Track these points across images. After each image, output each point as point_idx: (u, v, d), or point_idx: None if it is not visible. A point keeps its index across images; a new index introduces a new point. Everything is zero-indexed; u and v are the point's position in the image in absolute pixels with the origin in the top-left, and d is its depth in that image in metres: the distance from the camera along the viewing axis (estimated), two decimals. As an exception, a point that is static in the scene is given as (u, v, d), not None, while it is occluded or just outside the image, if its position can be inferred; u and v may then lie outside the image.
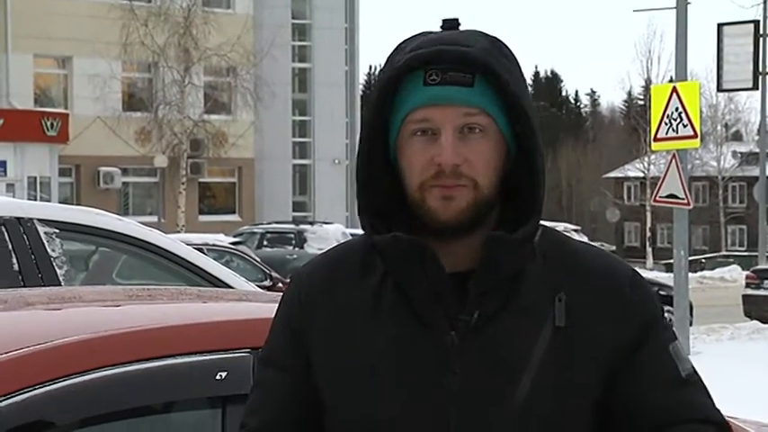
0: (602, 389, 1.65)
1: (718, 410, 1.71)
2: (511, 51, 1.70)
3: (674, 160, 13.39)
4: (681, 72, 14.37)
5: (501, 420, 1.61)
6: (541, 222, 1.72)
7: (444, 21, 1.72)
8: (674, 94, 13.33)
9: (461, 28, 1.72)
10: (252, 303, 2.71)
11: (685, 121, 13.26)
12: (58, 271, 4.37)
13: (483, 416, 1.61)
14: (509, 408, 1.61)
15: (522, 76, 1.71)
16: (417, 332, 1.65)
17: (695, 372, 1.71)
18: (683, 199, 13.37)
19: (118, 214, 5.54)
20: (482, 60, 1.63)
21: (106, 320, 2.34)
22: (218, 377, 2.17)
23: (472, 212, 1.65)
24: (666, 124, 13.32)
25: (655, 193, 13.78)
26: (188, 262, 4.69)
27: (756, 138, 46.18)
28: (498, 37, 1.71)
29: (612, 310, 1.67)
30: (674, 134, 13.30)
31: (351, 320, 1.69)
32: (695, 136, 13.41)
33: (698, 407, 1.67)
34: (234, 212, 38.06)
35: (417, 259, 1.64)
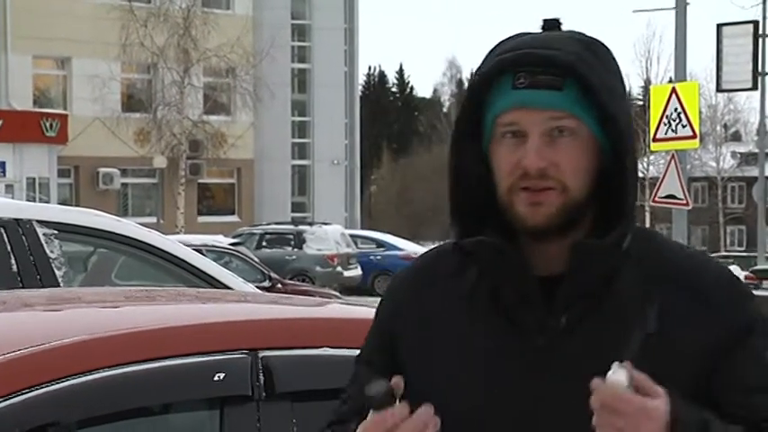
0: (692, 394, 1.61)
1: None
2: (607, 54, 1.69)
3: (673, 161, 13.40)
4: (680, 72, 14.39)
5: (586, 426, 1.55)
6: (637, 224, 1.70)
7: (545, 21, 1.72)
8: (674, 95, 13.34)
9: (563, 28, 1.72)
10: (250, 304, 2.72)
11: (684, 122, 13.27)
12: (57, 272, 4.37)
13: (568, 421, 1.61)
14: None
15: (618, 79, 1.69)
16: (508, 334, 1.67)
17: None
18: (681, 199, 13.38)
19: (117, 215, 5.54)
20: (570, 64, 1.63)
21: (105, 322, 2.34)
22: (216, 378, 2.18)
23: (561, 216, 1.64)
24: (666, 125, 13.34)
25: (654, 193, 13.79)
26: (186, 263, 4.69)
27: (755, 138, 46.22)
28: (597, 40, 1.71)
29: (702, 315, 1.64)
30: (673, 134, 13.31)
31: (444, 319, 1.71)
32: (694, 136, 13.42)
33: None
34: (233, 213, 38.06)
35: (505, 263, 1.66)
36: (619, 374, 1.49)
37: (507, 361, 1.66)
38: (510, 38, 1.70)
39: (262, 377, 2.21)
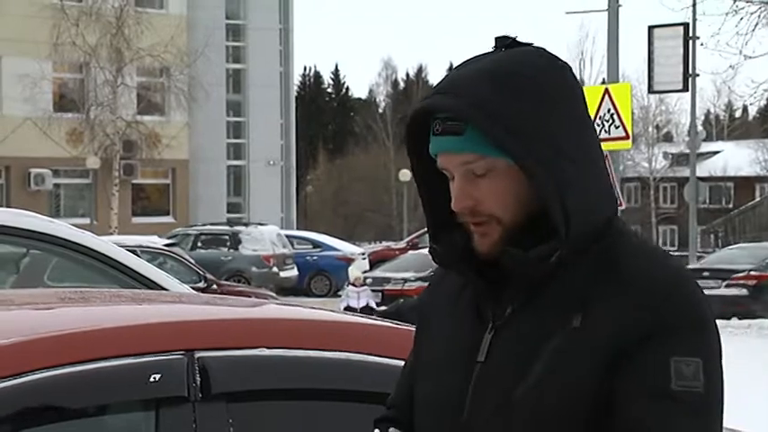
0: (601, 394, 1.66)
1: None
2: (535, 80, 1.74)
3: (606, 161, 13.54)
4: (613, 74, 14.56)
5: (506, 407, 1.71)
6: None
7: (497, 39, 1.80)
8: (606, 96, 13.48)
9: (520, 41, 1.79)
10: (186, 305, 2.70)
11: (617, 123, 13.42)
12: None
13: (491, 402, 1.74)
14: (514, 396, 1.71)
15: (545, 107, 1.73)
16: (475, 324, 1.81)
17: (702, 396, 1.63)
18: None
19: (49, 216, 5.47)
20: (465, 113, 1.72)
21: (38, 323, 2.32)
22: (152, 379, 2.17)
23: (504, 244, 1.75)
24: (599, 125, 13.46)
25: (587, 193, 13.92)
26: (121, 264, 4.64)
27: (686, 139, 46.83)
28: (528, 62, 1.75)
29: (627, 312, 1.66)
30: (606, 135, 13.45)
31: (437, 317, 1.89)
32: (627, 137, 13.57)
33: (667, 425, 1.62)
34: (168, 214, 37.78)
35: (461, 267, 1.81)
36: None
37: (466, 347, 1.80)
38: (460, 64, 1.80)
39: (198, 378, 2.21)
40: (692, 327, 1.66)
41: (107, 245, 4.79)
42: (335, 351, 2.37)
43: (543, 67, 1.76)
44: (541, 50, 1.79)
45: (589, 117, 1.81)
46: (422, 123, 1.80)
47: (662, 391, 1.62)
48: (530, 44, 1.80)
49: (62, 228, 4.74)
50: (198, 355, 2.23)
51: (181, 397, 2.18)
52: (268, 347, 2.31)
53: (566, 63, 1.80)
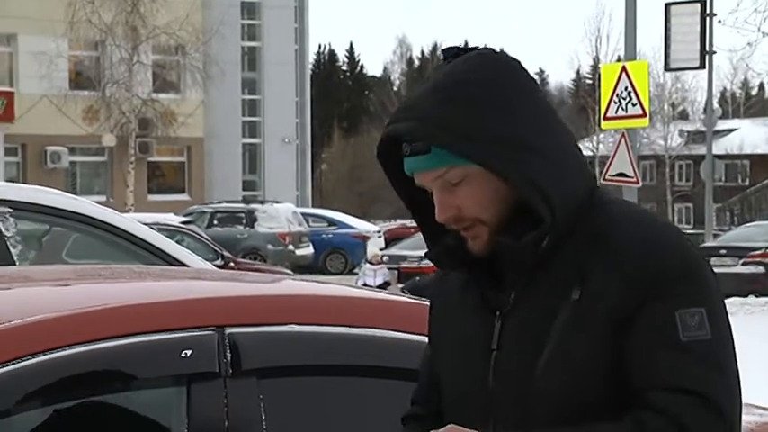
0: (616, 356, 1.71)
1: (718, 383, 1.67)
2: (468, 82, 1.79)
3: (623, 139, 13.50)
4: (630, 51, 14.48)
5: (529, 391, 1.75)
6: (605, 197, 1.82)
7: (443, 52, 1.87)
8: (624, 74, 13.42)
9: (470, 47, 1.86)
10: (216, 282, 2.72)
11: (634, 101, 13.36)
12: (13, 251, 4.34)
13: (511, 387, 1.78)
14: (534, 377, 1.75)
15: (483, 102, 1.78)
16: (484, 314, 1.85)
17: (709, 342, 1.68)
18: (631, 177, 13.50)
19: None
20: (423, 134, 1.79)
21: (72, 299, 2.34)
22: (183, 355, 2.19)
23: (495, 242, 1.81)
24: (616, 103, 13.42)
25: (604, 171, 13.89)
26: (144, 241, 4.66)
27: (702, 116, 46.63)
28: (470, 67, 1.80)
29: (624, 275, 1.72)
30: (623, 113, 13.40)
31: (447, 309, 1.93)
32: (644, 115, 13.52)
33: (684, 375, 1.67)
34: (183, 192, 37.84)
35: (462, 257, 1.86)
36: None
37: (478, 335, 1.85)
38: (422, 81, 1.89)
39: (228, 354, 2.23)
40: (689, 279, 1.72)
41: (130, 222, 4.81)
42: (363, 327, 2.39)
43: (489, 70, 1.81)
44: (487, 54, 1.83)
45: (547, 103, 1.85)
46: (395, 144, 1.85)
47: (672, 344, 1.68)
48: (475, 49, 1.85)
49: (85, 205, 4.76)
50: (228, 331, 2.25)
51: (212, 372, 2.20)
52: (298, 324, 2.33)
53: (514, 59, 1.85)
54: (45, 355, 2.09)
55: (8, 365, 2.06)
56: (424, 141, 1.79)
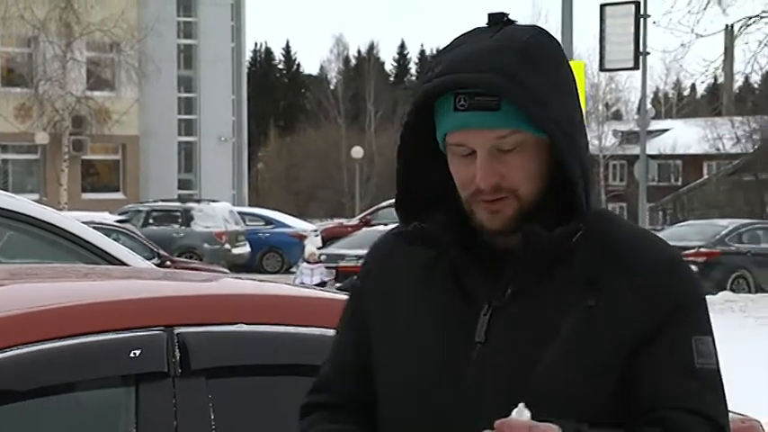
0: (623, 370, 1.70)
1: (724, 412, 1.73)
2: (542, 52, 1.75)
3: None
4: (567, 52, 14.61)
5: (525, 388, 1.68)
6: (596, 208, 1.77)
7: (490, 16, 1.78)
8: (560, 74, 13.56)
9: (513, 20, 1.78)
10: (164, 281, 2.70)
11: (571, 101, 13.50)
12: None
13: (501, 383, 1.71)
14: (532, 377, 1.70)
15: (553, 76, 1.75)
16: (461, 303, 1.76)
17: (716, 371, 1.73)
18: (568, 177, 13.64)
19: (-3, 191, 5.40)
20: (501, 87, 1.70)
21: (18, 298, 2.31)
22: (132, 355, 2.17)
23: (519, 219, 1.74)
24: (552, 103, 13.55)
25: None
26: (84, 240, 4.61)
27: (636, 117, 47.16)
28: (533, 35, 1.76)
29: (642, 295, 1.71)
30: (559, 113, 13.54)
31: (403, 291, 1.82)
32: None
33: (698, 399, 1.70)
34: (118, 190, 37.51)
35: (456, 240, 1.77)
36: (522, 414, 1.60)
37: (457, 328, 1.76)
38: (453, 45, 1.77)
39: (178, 353, 2.22)
40: (702, 307, 1.76)
41: (69, 221, 4.76)
42: (311, 326, 2.39)
43: (547, 41, 1.78)
44: (548, 32, 1.80)
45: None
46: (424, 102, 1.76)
47: (688, 370, 1.70)
48: (515, 21, 1.80)
49: (24, 203, 4.70)
50: (177, 330, 2.24)
51: (161, 372, 2.19)
52: (246, 323, 2.32)
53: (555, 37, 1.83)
54: (-9, 355, 2.06)
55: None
56: (496, 96, 1.69)
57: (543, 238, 1.72)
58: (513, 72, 1.71)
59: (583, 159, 1.75)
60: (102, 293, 2.42)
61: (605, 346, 1.70)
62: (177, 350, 2.21)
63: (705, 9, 20.34)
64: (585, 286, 1.72)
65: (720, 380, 1.75)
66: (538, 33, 1.78)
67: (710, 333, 1.76)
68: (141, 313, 2.26)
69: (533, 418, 1.60)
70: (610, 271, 1.73)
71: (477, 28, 1.79)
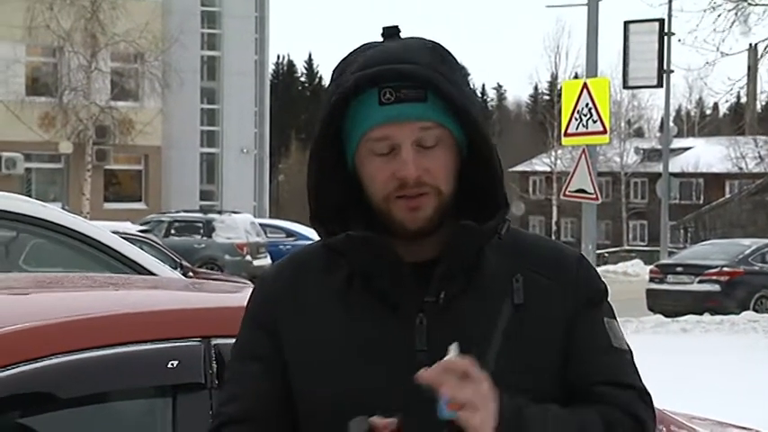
0: (562, 361, 1.78)
1: (642, 382, 1.84)
2: (450, 55, 1.79)
3: (583, 155, 13.60)
4: (591, 68, 14.58)
5: None
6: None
7: (385, 29, 1.80)
8: (585, 90, 13.53)
9: (402, 34, 1.80)
10: (200, 292, 2.70)
11: (595, 117, 13.47)
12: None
13: None
14: None
15: (464, 77, 1.80)
16: (387, 317, 1.74)
17: (628, 348, 1.86)
18: (591, 194, 13.59)
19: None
20: (429, 77, 1.72)
21: (56, 307, 2.31)
22: (169, 365, 2.17)
23: (437, 218, 1.75)
24: (576, 120, 13.52)
25: (564, 187, 13.98)
26: (112, 250, 4.63)
27: (658, 134, 46.99)
28: (436, 42, 1.81)
29: (563, 289, 1.80)
30: (584, 129, 13.51)
31: (320, 313, 1.77)
32: (604, 132, 13.63)
33: (622, 372, 1.81)
34: (140, 200, 37.60)
35: (376, 252, 1.74)
36: (453, 354, 1.62)
37: (390, 340, 1.73)
38: (358, 51, 1.78)
39: (215, 365, 2.22)
40: (606, 296, 1.87)
41: (99, 230, 4.78)
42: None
43: (445, 47, 1.81)
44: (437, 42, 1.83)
45: None
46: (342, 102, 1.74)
47: (607, 348, 1.82)
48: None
49: (54, 212, 4.72)
50: (214, 342, 2.24)
51: (198, 384, 2.19)
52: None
53: None
54: (28, 365, 2.07)
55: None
56: (422, 88, 1.70)
57: (476, 232, 1.74)
58: (434, 65, 1.73)
59: (498, 157, 1.80)
60: (140, 303, 2.42)
61: (541, 340, 1.76)
62: (214, 361, 2.21)
63: (731, 28, 20.27)
64: (509, 285, 1.77)
65: (633, 357, 1.86)
66: (435, 41, 1.81)
67: (616, 318, 1.88)
68: (179, 324, 2.26)
69: None
70: (529, 270, 1.79)
71: (374, 41, 1.80)
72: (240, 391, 1.78)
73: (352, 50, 1.79)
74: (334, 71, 1.78)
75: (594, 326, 1.82)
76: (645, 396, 1.83)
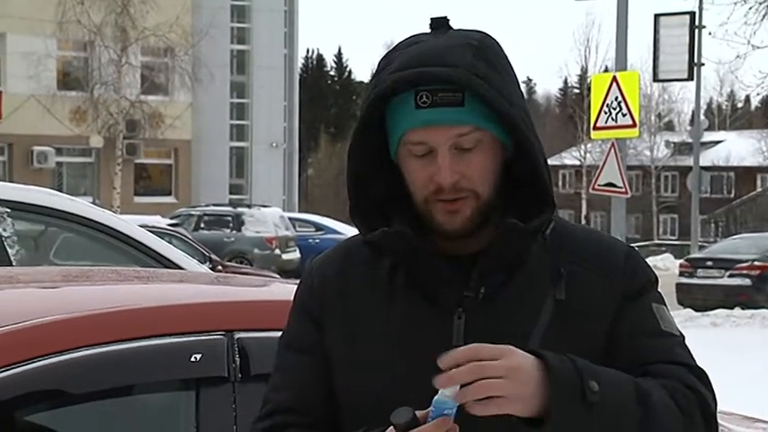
0: (606, 356, 1.73)
1: (697, 363, 1.79)
2: (496, 51, 1.76)
3: (613, 149, 13.54)
4: (621, 61, 14.51)
5: None
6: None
7: (432, 20, 1.76)
8: (614, 84, 13.46)
9: (452, 25, 1.76)
10: (225, 286, 2.71)
11: (624, 111, 13.40)
12: (9, 251, 4.32)
13: None
14: None
15: (509, 74, 1.76)
16: (428, 311, 1.74)
17: (679, 333, 1.81)
18: (621, 188, 13.53)
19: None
20: (467, 81, 1.68)
21: (81, 301, 2.33)
22: (192, 359, 2.18)
23: (477, 219, 1.74)
24: (606, 113, 13.46)
25: (593, 181, 13.92)
26: (141, 243, 4.66)
27: (688, 128, 46.70)
28: (485, 35, 1.77)
29: (610, 283, 1.77)
30: (613, 123, 13.44)
31: (363, 305, 1.78)
32: (634, 125, 13.56)
33: (675, 353, 1.77)
34: (170, 194, 37.75)
35: (411, 248, 1.74)
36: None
37: (428, 335, 1.72)
38: (401, 47, 1.75)
39: (238, 359, 2.22)
40: (656, 285, 1.84)
41: (127, 224, 4.80)
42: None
43: (495, 41, 1.78)
44: (480, 30, 1.80)
45: None
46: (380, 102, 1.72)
47: (656, 332, 1.78)
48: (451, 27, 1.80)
49: (82, 206, 4.75)
50: (238, 335, 2.24)
51: (221, 377, 2.20)
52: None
53: None
54: (54, 357, 2.08)
55: (14, 368, 2.05)
56: (460, 92, 1.68)
57: (520, 230, 1.72)
58: (475, 67, 1.70)
59: (544, 156, 1.76)
60: (164, 297, 2.43)
61: (585, 336, 1.73)
62: (237, 355, 2.22)
63: (762, 20, 20.12)
64: (551, 280, 1.74)
65: (684, 340, 1.82)
66: (484, 35, 1.78)
67: (666, 305, 1.84)
68: (202, 318, 2.27)
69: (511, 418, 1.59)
70: (574, 264, 1.76)
71: (421, 32, 1.77)
72: (287, 381, 1.80)
73: (399, 42, 1.77)
74: (379, 62, 1.76)
75: (643, 311, 1.78)
76: (702, 375, 1.77)
